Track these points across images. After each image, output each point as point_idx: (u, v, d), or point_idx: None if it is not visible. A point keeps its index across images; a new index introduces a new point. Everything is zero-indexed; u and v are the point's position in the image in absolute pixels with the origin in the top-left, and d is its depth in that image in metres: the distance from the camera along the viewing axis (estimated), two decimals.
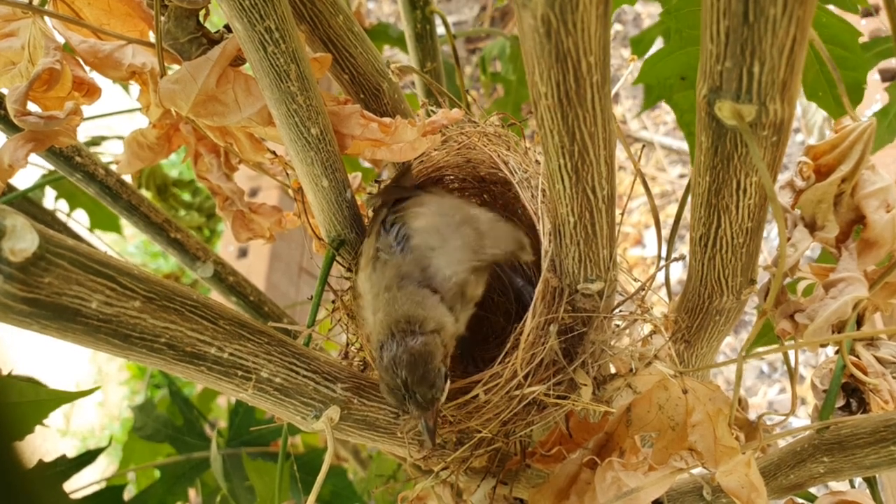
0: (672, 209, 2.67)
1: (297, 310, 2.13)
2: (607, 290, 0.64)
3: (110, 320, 0.46)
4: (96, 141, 1.43)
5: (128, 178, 1.05)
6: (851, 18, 0.86)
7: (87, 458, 0.98)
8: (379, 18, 3.50)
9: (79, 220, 1.38)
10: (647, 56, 0.88)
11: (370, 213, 0.78)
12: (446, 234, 0.67)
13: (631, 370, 0.66)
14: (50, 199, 1.38)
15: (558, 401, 0.65)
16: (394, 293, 0.63)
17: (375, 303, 0.64)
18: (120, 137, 0.86)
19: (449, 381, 0.61)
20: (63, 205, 1.37)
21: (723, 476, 0.62)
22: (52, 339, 0.46)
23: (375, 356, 0.62)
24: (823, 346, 0.72)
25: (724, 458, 0.61)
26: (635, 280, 0.72)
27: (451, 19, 3.17)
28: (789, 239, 0.65)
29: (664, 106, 3.04)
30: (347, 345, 0.75)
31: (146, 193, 1.57)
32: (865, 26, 2.08)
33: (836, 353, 0.69)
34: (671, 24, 0.84)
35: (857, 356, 0.68)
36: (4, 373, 0.92)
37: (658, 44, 0.91)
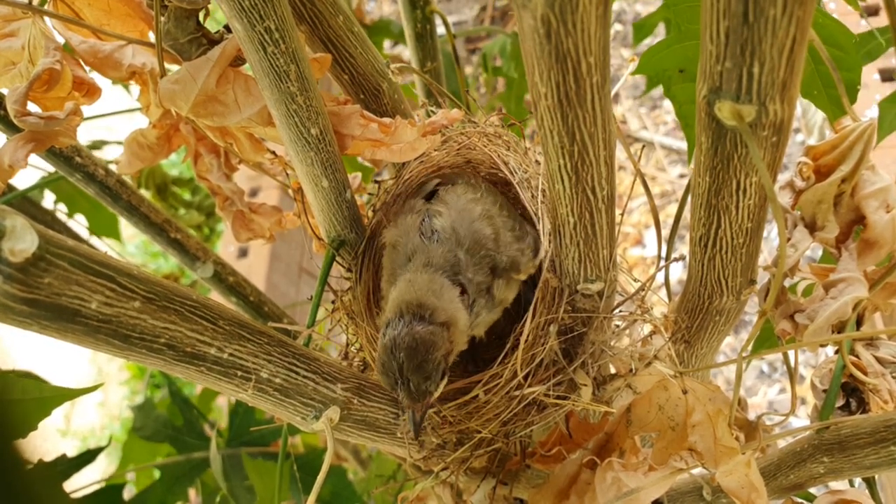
0: (672, 209, 2.67)
1: (297, 310, 2.13)
2: (607, 291, 0.64)
3: (110, 321, 0.46)
4: (97, 145, 1.43)
5: (127, 178, 1.05)
6: (849, 19, 0.85)
7: (87, 457, 0.98)
8: (379, 18, 3.49)
9: (79, 221, 1.38)
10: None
11: (370, 214, 0.78)
12: (465, 232, 0.66)
13: (631, 370, 0.66)
14: (49, 199, 1.38)
15: (558, 401, 0.65)
16: (415, 275, 0.63)
17: (394, 278, 0.64)
18: (119, 143, 0.86)
19: (446, 380, 0.60)
20: (63, 205, 1.36)
21: (723, 476, 0.62)
22: (52, 339, 0.46)
23: (380, 332, 0.61)
24: (823, 346, 0.72)
25: (724, 459, 0.61)
26: (635, 280, 0.72)
27: (451, 19, 3.17)
28: (789, 239, 0.65)
29: (664, 106, 3.04)
30: (347, 345, 0.75)
31: (145, 193, 1.56)
32: (865, 26, 2.07)
33: (836, 353, 0.69)
34: (670, 17, 0.84)
35: (857, 356, 0.68)
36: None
37: (660, 30, 0.91)
